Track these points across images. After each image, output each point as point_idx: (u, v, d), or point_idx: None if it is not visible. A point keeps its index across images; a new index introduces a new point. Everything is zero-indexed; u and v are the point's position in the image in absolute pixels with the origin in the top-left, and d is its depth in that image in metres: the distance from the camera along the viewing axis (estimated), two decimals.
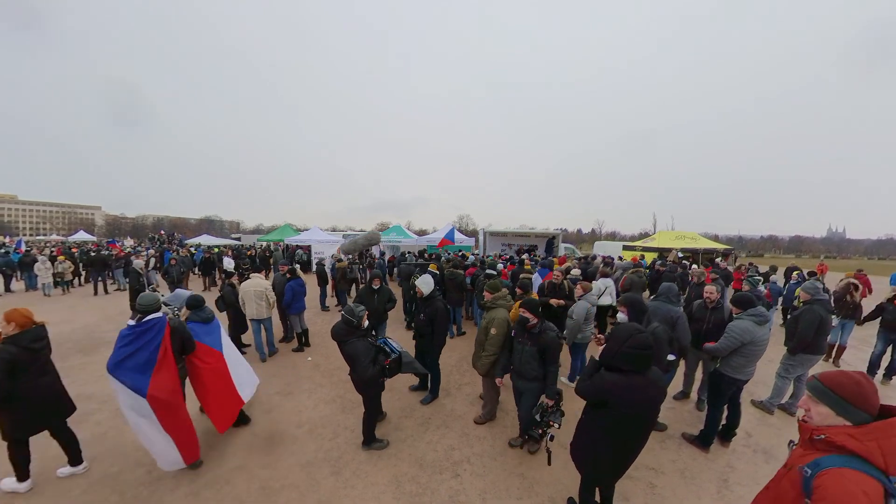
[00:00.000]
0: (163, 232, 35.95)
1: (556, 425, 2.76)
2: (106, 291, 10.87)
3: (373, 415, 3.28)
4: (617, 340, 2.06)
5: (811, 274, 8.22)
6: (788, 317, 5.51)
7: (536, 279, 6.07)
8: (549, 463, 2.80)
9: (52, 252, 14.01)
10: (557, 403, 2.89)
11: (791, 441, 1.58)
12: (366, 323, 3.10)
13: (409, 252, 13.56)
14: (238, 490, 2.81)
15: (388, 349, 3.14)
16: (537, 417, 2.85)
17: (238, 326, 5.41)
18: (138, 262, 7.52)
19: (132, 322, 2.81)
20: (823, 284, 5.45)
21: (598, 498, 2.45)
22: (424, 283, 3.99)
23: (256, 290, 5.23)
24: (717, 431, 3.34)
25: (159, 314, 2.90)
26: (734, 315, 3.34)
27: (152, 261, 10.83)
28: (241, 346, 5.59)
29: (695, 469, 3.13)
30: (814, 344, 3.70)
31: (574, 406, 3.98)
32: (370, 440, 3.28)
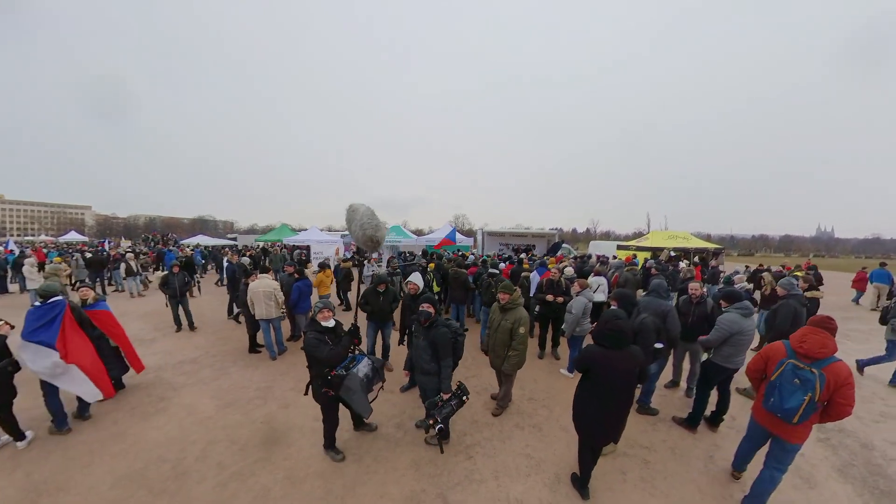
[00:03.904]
0: (156, 232, 35.49)
1: (439, 419, 3.02)
2: (104, 293, 10.80)
3: (327, 424, 3.13)
4: (601, 322, 2.68)
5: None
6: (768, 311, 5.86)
7: (535, 277, 6.34)
8: (442, 451, 3.16)
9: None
10: (458, 398, 3.12)
11: None
12: (324, 320, 2.96)
13: (409, 252, 13.74)
14: (264, 480, 2.93)
15: (350, 364, 2.96)
16: (427, 406, 3.12)
17: (255, 325, 5.55)
18: (245, 259, 7.77)
19: (38, 303, 3.48)
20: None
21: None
22: (418, 279, 4.31)
23: (265, 290, 5.36)
24: (703, 414, 3.64)
25: (59, 298, 3.57)
26: (723, 308, 3.64)
27: (132, 264, 10.50)
28: (256, 345, 5.75)
29: (684, 447, 3.44)
30: (790, 334, 4.02)
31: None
32: (328, 445, 3.19)
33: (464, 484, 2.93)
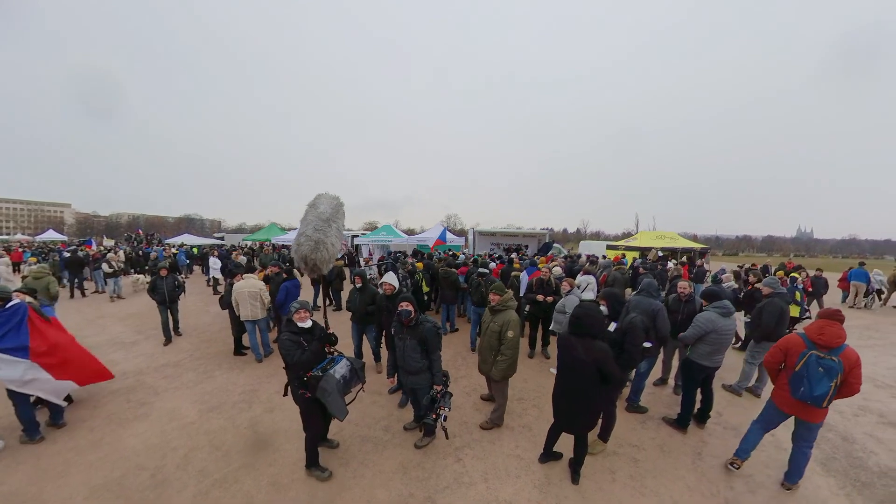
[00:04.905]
0: (140, 231, 34.39)
1: (446, 408, 3.11)
2: (83, 294, 10.44)
3: (308, 431, 2.94)
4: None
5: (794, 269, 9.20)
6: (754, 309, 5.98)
7: (524, 277, 6.34)
8: (447, 437, 3.29)
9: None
10: (446, 386, 3.24)
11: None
12: (301, 321, 2.87)
13: (399, 252, 13.63)
14: (247, 487, 2.86)
15: (328, 365, 2.86)
16: (426, 403, 3.14)
17: (240, 326, 5.40)
18: (243, 258, 7.37)
19: None
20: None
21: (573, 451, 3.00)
22: (392, 279, 4.20)
23: (251, 290, 5.23)
24: (692, 413, 3.68)
25: (17, 301, 3.42)
26: (703, 308, 3.69)
27: (114, 264, 9.89)
28: (241, 347, 5.61)
29: (672, 445, 3.48)
30: (776, 332, 4.09)
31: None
32: (310, 463, 2.99)
33: (452, 487, 2.90)
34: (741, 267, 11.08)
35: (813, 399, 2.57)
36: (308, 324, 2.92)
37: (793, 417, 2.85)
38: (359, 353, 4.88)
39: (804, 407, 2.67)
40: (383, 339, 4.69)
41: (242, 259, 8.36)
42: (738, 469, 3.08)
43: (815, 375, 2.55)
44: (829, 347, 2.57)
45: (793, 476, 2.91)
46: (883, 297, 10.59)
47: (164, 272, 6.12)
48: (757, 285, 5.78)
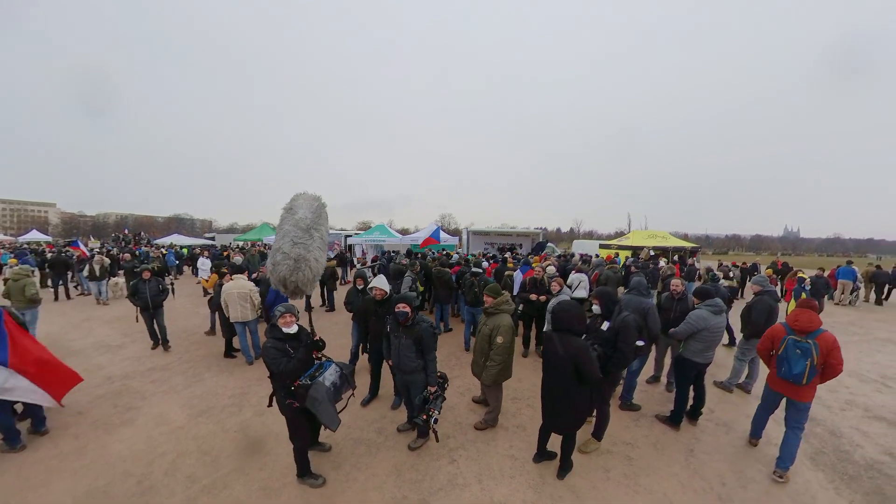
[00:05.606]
0: (127, 231, 33.66)
1: (436, 411, 3.08)
2: (68, 297, 10.16)
3: (296, 441, 2.83)
4: None
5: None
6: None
7: (518, 276, 6.34)
8: (437, 440, 3.25)
9: None
10: (441, 387, 3.23)
11: None
12: (285, 326, 2.70)
13: (394, 251, 13.58)
14: (237, 493, 2.80)
15: (316, 372, 2.73)
16: (418, 403, 3.13)
17: (231, 329, 5.30)
18: (238, 259, 7.69)
19: None
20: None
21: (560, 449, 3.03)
22: (383, 283, 4.03)
23: (240, 291, 5.13)
24: (685, 410, 3.71)
25: None
26: (695, 305, 3.75)
27: (96, 267, 9.35)
28: (232, 350, 5.51)
29: (665, 442, 3.51)
30: (764, 330, 4.15)
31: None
32: (302, 473, 2.89)
33: (447, 489, 2.88)
34: (720, 265, 11.31)
35: (793, 377, 2.89)
36: (294, 329, 2.74)
37: (784, 403, 3.12)
38: (356, 353, 4.82)
39: (789, 385, 2.99)
40: (372, 345, 4.61)
41: (238, 259, 8.20)
42: (755, 446, 3.43)
43: (793, 357, 2.89)
44: (804, 332, 2.91)
45: (784, 461, 3.02)
46: (857, 293, 10.90)
47: (146, 275, 5.58)
48: (724, 282, 5.96)
